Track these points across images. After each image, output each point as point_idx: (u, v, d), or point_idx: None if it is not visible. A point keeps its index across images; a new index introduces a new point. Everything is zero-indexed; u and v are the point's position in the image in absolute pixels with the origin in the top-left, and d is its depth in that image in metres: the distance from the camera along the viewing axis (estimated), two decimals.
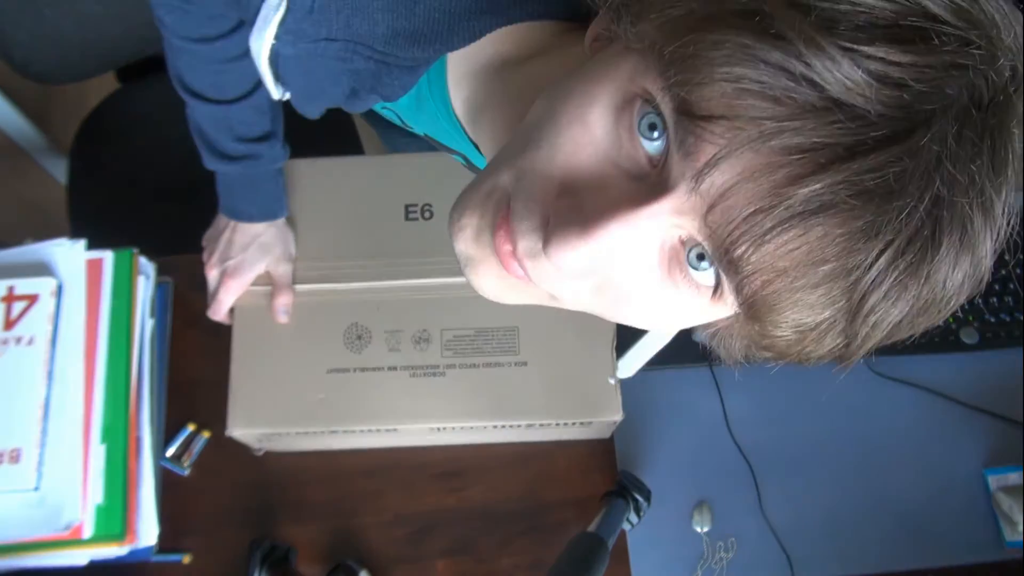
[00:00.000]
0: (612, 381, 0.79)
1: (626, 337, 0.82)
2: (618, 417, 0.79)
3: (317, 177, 0.88)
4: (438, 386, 0.80)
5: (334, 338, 0.82)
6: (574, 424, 0.81)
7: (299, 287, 0.84)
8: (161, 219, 1.30)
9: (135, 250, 0.91)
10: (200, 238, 0.90)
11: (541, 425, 0.81)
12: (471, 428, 0.82)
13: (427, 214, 0.86)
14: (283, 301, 0.83)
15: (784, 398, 0.93)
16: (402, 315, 0.83)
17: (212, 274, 0.86)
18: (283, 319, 0.83)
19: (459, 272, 0.82)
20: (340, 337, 0.82)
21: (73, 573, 0.82)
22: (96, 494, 0.83)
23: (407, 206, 0.86)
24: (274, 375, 0.81)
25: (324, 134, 1.35)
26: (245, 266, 0.84)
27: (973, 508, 0.89)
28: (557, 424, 0.81)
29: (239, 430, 0.79)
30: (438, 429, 0.82)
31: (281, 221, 0.85)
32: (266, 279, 0.84)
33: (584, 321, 0.82)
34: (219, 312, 0.85)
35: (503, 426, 0.81)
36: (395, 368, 0.81)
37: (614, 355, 0.81)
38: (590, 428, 0.84)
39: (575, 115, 0.38)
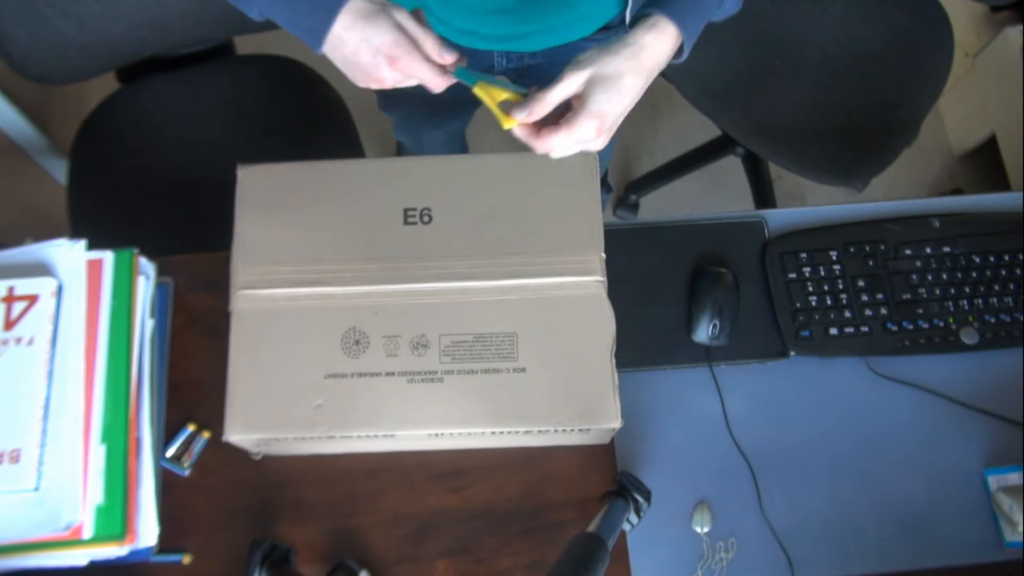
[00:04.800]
0: None
1: (625, 342, 0.82)
2: (617, 424, 0.79)
3: (316, 180, 0.88)
4: (436, 392, 0.80)
5: (332, 343, 0.82)
6: (573, 431, 0.81)
7: (296, 291, 0.83)
8: (161, 219, 1.30)
9: (135, 250, 0.91)
10: (200, 238, 0.90)
11: (540, 432, 0.81)
12: (469, 434, 0.82)
13: (426, 218, 0.86)
14: (431, 42, 0.72)
15: (784, 398, 0.93)
16: (400, 320, 0.82)
17: (386, 77, 0.72)
18: (450, 58, 0.73)
19: (457, 277, 0.83)
20: (338, 342, 0.82)
21: (73, 573, 0.82)
22: (96, 494, 0.83)
23: (406, 210, 0.86)
24: (271, 380, 0.80)
25: (325, 136, 1.36)
26: (389, 42, 0.70)
27: (973, 508, 0.89)
28: (555, 431, 0.81)
29: (236, 435, 0.79)
30: (436, 435, 0.81)
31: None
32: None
33: (583, 327, 0.82)
34: (438, 85, 0.74)
35: (501, 432, 0.81)
36: (393, 374, 0.81)
37: (613, 362, 0.81)
38: (589, 435, 0.84)
39: None
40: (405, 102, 1.19)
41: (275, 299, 0.83)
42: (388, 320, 0.82)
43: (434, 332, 0.82)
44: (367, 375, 0.81)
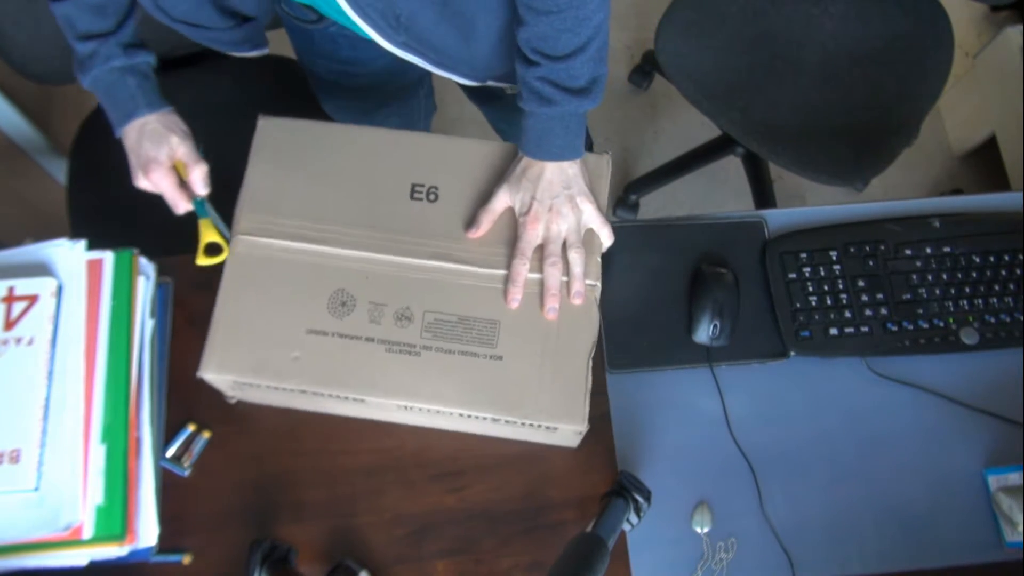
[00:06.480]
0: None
1: (625, 343, 0.82)
2: (583, 428, 0.79)
3: (331, 140, 0.89)
4: (411, 365, 0.81)
5: (319, 300, 0.83)
6: (539, 427, 0.81)
7: (294, 244, 0.85)
8: (161, 219, 1.30)
9: (135, 250, 0.92)
10: None
11: (507, 422, 0.81)
12: (438, 412, 0.82)
13: (432, 196, 0.87)
14: (199, 171, 0.88)
15: (784, 398, 0.93)
16: (389, 290, 0.83)
17: (141, 184, 0.88)
18: (203, 191, 0.88)
19: (452, 259, 0.83)
20: (325, 300, 0.83)
21: (73, 573, 0.82)
22: (96, 494, 0.83)
23: (414, 185, 0.87)
24: (254, 326, 0.82)
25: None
26: (151, 157, 0.86)
27: (973, 508, 0.89)
28: (522, 424, 0.81)
29: (211, 374, 0.81)
30: (406, 408, 0.82)
31: (164, 112, 0.89)
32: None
33: (567, 327, 0.83)
34: (178, 207, 0.88)
35: (469, 416, 0.82)
36: (372, 340, 0.81)
37: (589, 366, 0.81)
38: (556, 435, 0.84)
39: None
40: (337, 95, 1.22)
41: (272, 248, 0.85)
42: (377, 287, 0.83)
43: (419, 307, 0.83)
44: (347, 337, 0.81)
